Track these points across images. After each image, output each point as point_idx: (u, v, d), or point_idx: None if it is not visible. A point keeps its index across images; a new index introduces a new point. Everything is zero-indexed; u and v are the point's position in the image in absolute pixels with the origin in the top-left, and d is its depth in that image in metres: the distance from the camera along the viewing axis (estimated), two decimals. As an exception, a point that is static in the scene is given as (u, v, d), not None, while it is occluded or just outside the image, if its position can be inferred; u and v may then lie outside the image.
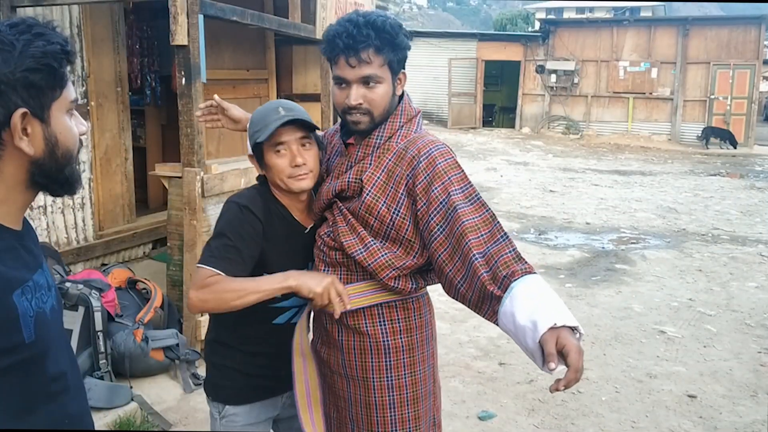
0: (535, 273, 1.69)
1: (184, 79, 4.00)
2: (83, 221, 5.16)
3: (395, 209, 1.88)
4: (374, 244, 1.91)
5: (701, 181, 13.25)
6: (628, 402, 4.03)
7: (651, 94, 20.43)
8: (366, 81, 1.87)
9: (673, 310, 5.72)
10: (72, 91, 1.22)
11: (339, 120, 2.06)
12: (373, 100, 1.89)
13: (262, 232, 1.93)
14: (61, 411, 1.25)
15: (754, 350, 4.88)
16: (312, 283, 1.79)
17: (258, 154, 1.98)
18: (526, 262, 1.71)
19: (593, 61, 21.02)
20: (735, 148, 18.46)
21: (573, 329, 1.57)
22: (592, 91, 21.12)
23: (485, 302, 1.73)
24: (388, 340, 1.97)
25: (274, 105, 1.99)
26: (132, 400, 3.60)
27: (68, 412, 1.27)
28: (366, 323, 1.97)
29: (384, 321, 1.97)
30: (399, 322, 1.99)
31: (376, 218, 1.89)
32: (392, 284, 1.92)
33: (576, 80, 21.20)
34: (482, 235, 1.75)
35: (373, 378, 1.97)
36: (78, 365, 1.40)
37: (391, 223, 1.88)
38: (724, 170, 15.01)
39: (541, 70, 21.57)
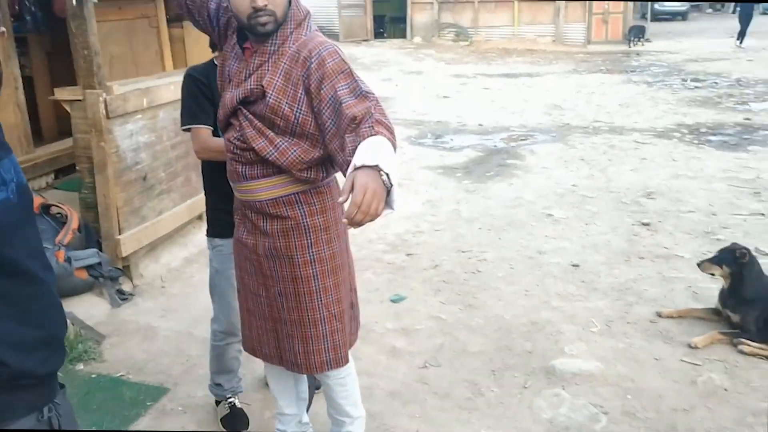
0: (380, 135, 1.85)
1: (74, 0, 3.96)
2: (-20, 154, 5.07)
3: (297, 108, 2.10)
4: (283, 143, 2.14)
5: (583, 78, 13.99)
6: (521, 275, 4.54)
7: (534, -3, 20.97)
8: None
9: (559, 195, 6.28)
10: None
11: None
12: (275, 2, 2.08)
13: (207, 87, 2.60)
14: (18, 288, 1.40)
15: (628, 223, 5.50)
16: None
17: None
18: (386, 132, 1.87)
19: (478, -34, 21.25)
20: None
21: (380, 171, 1.71)
22: (478, -4, 21.43)
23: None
24: (307, 221, 2.25)
25: None
26: (62, 317, 3.75)
27: (27, 291, 1.44)
28: (286, 209, 2.23)
29: (302, 205, 2.24)
30: (315, 205, 2.26)
31: (281, 118, 2.12)
32: (305, 176, 2.18)
33: (463, -14, 21.42)
34: (358, 114, 1.91)
35: (297, 255, 2.26)
36: (41, 249, 1.57)
37: (296, 121, 2.11)
38: (605, 67, 15.85)
39: (428, -23, 21.61)
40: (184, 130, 2.71)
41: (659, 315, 3.90)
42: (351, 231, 2.13)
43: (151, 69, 6.42)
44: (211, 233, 2.85)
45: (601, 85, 12.90)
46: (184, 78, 2.68)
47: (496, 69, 15.86)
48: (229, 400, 3.05)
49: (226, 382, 3.01)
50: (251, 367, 3.32)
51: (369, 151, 1.77)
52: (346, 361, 2.45)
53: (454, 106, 11.15)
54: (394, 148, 1.87)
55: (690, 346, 3.56)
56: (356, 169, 1.71)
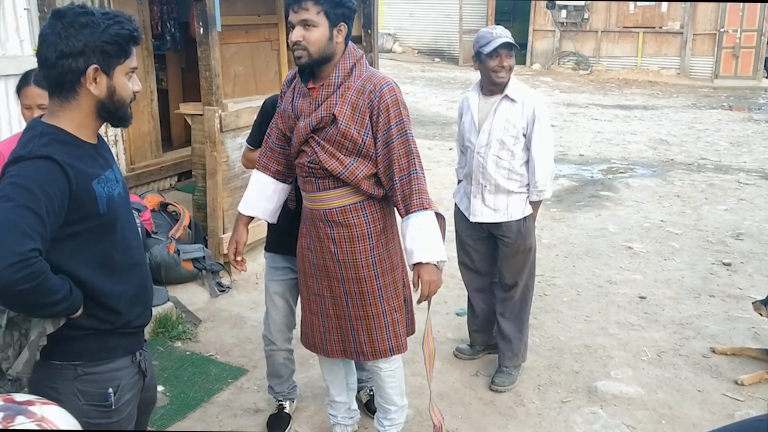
0: (427, 209, 2.60)
1: (202, 29, 4.60)
2: (117, 156, 5.82)
3: (364, 132, 2.57)
4: (352, 163, 2.59)
5: (701, 114, 13.64)
6: (585, 302, 4.74)
7: (661, 28, 20.49)
8: (304, 24, 2.49)
9: (644, 230, 6.36)
10: (133, 61, 1.85)
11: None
12: (309, 40, 2.49)
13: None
14: (129, 259, 1.93)
15: (708, 262, 5.54)
16: None
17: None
18: (425, 197, 2.61)
19: (603, -4, 21.08)
20: None
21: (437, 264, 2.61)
22: (602, 26, 21.18)
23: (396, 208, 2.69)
24: (370, 227, 2.69)
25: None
26: (168, 300, 4.35)
27: (134, 261, 1.96)
28: (353, 216, 2.67)
29: (366, 213, 2.69)
30: (376, 212, 2.71)
31: (350, 141, 2.57)
32: (371, 191, 2.64)
33: (586, 15, 21.26)
34: (402, 165, 2.58)
35: (362, 258, 2.69)
36: (138, 233, 2.09)
37: (363, 143, 2.57)
38: (727, 103, 15.34)
39: (551, 5, 21.65)
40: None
41: (713, 350, 4.00)
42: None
43: (270, 87, 7.09)
44: (265, 247, 3.25)
45: (717, 122, 12.56)
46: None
47: (611, 100, 15.71)
48: (279, 402, 3.39)
49: (277, 386, 3.35)
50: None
51: (424, 242, 2.58)
52: (405, 348, 2.87)
53: (558, 134, 11.22)
54: (437, 216, 2.65)
55: (736, 383, 3.67)
56: (419, 263, 2.59)
